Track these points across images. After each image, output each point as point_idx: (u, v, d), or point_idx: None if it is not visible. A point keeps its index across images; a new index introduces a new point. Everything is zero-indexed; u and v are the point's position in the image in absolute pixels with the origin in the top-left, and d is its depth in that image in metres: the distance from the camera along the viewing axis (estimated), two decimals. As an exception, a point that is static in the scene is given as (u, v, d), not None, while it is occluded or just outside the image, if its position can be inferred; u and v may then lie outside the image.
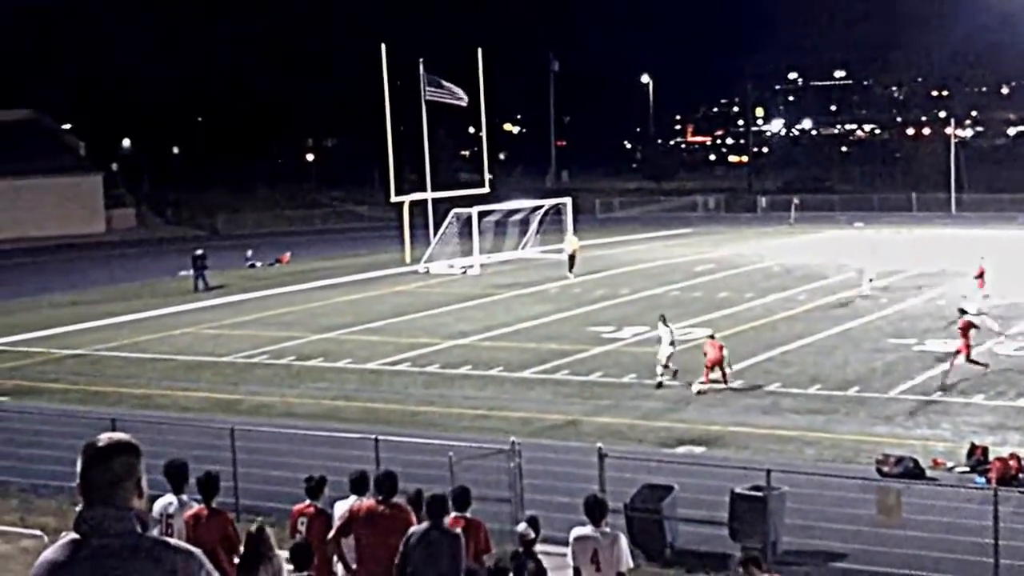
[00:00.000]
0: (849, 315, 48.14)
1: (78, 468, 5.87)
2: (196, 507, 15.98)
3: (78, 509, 5.82)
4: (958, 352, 35.66)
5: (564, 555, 16.06)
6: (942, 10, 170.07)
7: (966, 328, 35.82)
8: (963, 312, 37.27)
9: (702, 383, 35.06)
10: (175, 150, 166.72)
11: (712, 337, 36.41)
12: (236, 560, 15.31)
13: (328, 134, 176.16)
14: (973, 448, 26.76)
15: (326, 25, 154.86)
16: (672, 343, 36.16)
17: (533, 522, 16.67)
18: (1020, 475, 24.98)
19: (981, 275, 50.82)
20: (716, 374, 35.27)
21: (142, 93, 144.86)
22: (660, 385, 35.65)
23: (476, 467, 22.91)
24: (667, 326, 36.55)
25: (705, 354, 35.42)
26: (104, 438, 5.96)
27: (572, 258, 64.38)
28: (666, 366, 36.13)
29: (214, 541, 15.20)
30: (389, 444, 24.36)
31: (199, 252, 63.49)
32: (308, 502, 16.84)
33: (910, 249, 70.54)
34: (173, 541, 5.99)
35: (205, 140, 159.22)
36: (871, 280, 54.03)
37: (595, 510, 15.70)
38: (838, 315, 48.08)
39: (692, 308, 50.96)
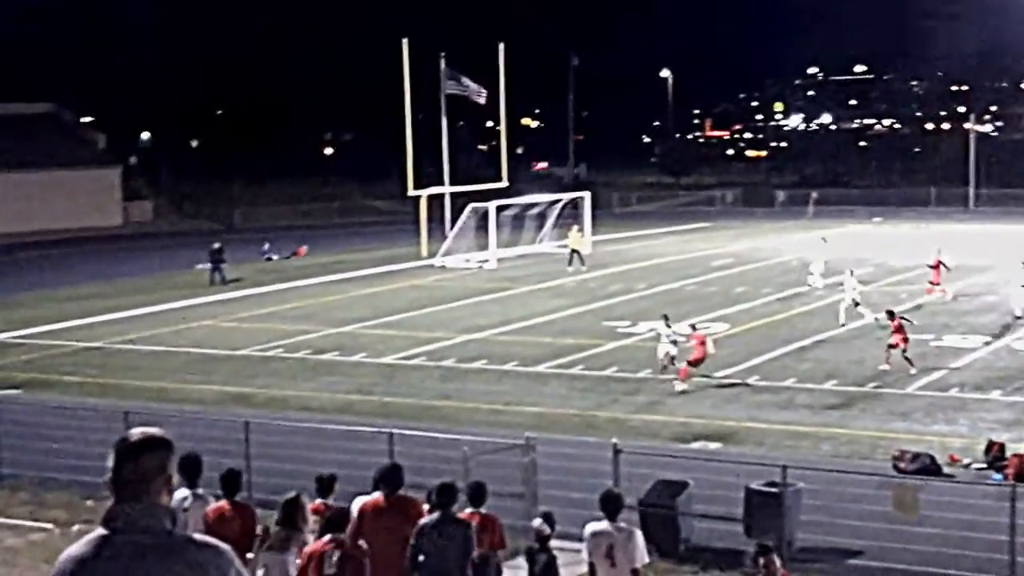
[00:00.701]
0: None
1: (109, 463, 5.82)
2: (217, 503, 15.94)
3: (109, 504, 5.80)
4: (894, 346, 36.12)
5: (578, 550, 15.97)
6: (961, 5, 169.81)
7: (899, 326, 36.39)
8: (891, 314, 37.58)
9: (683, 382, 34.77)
10: (194, 143, 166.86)
11: (694, 328, 36.47)
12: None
13: (346, 128, 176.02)
14: (990, 444, 26.66)
15: (346, 19, 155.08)
16: (674, 342, 35.97)
17: (548, 518, 16.64)
18: (1038, 472, 24.83)
19: (936, 267, 50.67)
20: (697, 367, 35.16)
21: (161, 86, 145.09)
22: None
23: (490, 462, 22.82)
24: (669, 327, 36.42)
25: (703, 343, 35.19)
26: (137, 433, 5.93)
27: (575, 252, 64.62)
28: (666, 366, 35.94)
29: (236, 536, 15.16)
30: (403, 439, 24.27)
31: (216, 245, 63.38)
32: (319, 500, 16.79)
33: (928, 244, 70.13)
34: (203, 538, 5.97)
35: (224, 133, 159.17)
36: (821, 273, 54.34)
37: (611, 505, 15.63)
38: (855, 311, 47.86)
39: (709, 303, 50.80)
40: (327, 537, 14.86)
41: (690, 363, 34.83)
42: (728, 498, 22.23)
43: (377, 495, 15.86)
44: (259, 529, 15.57)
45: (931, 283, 50.41)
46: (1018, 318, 44.75)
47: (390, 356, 41.05)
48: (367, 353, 41.66)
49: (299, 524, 15.18)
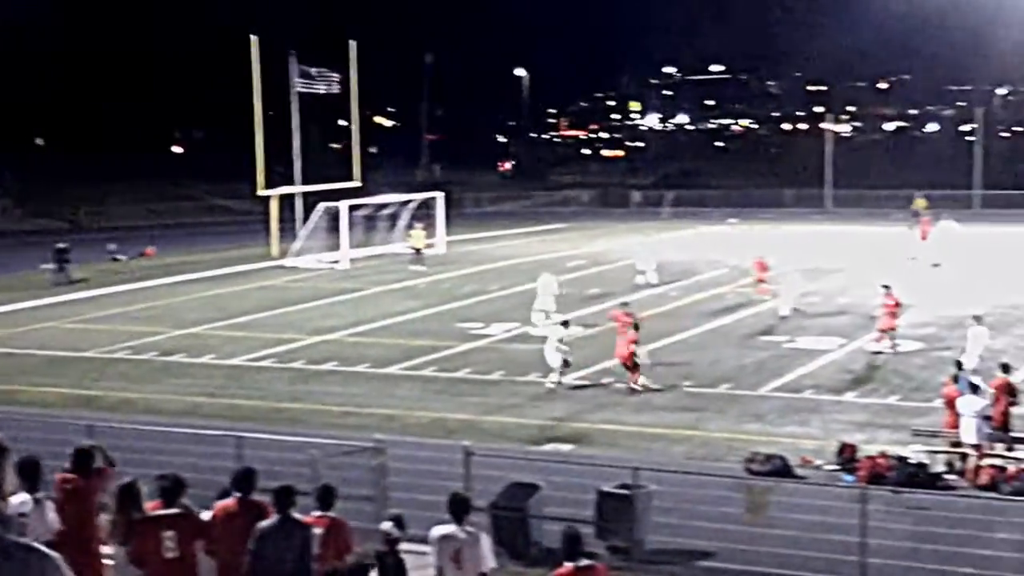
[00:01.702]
0: (720, 312, 48.28)
1: None
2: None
3: None
4: (631, 343, 36.38)
5: (427, 553, 15.69)
6: (820, 7, 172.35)
7: (632, 324, 36.81)
8: (625, 304, 38.90)
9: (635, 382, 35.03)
10: (38, 142, 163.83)
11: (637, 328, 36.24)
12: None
13: (196, 126, 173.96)
14: (843, 446, 26.72)
15: (194, 14, 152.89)
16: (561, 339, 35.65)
17: (398, 521, 16.44)
18: (888, 474, 24.93)
19: (761, 270, 51.86)
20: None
21: (3, 84, 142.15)
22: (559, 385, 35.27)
23: (340, 465, 22.55)
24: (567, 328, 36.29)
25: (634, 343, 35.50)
26: None
27: (419, 251, 65.48)
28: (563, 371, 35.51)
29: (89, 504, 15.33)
30: (252, 442, 23.84)
31: (61, 245, 62.34)
32: (159, 500, 16.31)
33: (783, 246, 70.78)
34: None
35: (69, 131, 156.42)
36: (649, 270, 56.54)
37: (458, 509, 15.51)
38: (709, 312, 48.18)
39: (563, 304, 50.64)
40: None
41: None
42: (580, 500, 22.01)
43: (230, 499, 15.62)
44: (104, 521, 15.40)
45: (759, 280, 51.56)
46: (783, 318, 45.55)
47: (239, 358, 40.51)
48: (215, 355, 41.07)
49: (135, 510, 14.95)
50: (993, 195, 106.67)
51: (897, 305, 39.40)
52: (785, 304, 46.60)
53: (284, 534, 14.63)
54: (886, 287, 40.47)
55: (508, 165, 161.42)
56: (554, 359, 35.20)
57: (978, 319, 36.48)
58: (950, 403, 26.31)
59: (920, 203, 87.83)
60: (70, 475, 16.23)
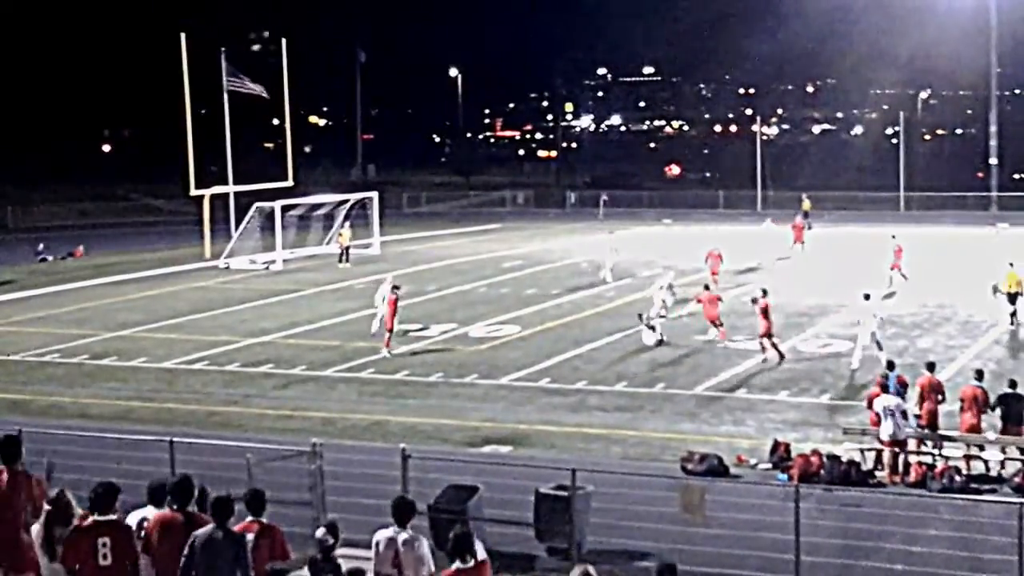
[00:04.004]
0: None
1: None
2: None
3: None
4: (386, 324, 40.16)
5: (367, 559, 15.59)
6: (750, 10, 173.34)
7: (395, 302, 40.38)
8: (396, 288, 41.63)
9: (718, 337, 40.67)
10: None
11: (707, 288, 41.06)
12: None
13: (125, 125, 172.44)
14: (776, 445, 26.84)
15: (124, 11, 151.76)
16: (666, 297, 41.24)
17: (332, 528, 16.24)
18: (821, 472, 25.09)
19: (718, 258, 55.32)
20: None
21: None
22: (653, 328, 40.73)
23: (276, 469, 22.34)
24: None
25: (700, 302, 41.10)
26: None
27: (346, 250, 66.87)
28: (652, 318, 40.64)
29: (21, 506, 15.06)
30: (185, 446, 23.56)
31: (-14, 246, 61.85)
32: (92, 508, 16.14)
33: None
34: None
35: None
36: (607, 268, 57.93)
37: (402, 512, 15.41)
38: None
39: (500, 304, 50.78)
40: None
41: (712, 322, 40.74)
42: (519, 502, 21.98)
43: (165, 510, 15.32)
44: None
45: (713, 273, 53.97)
46: (604, 281, 46.13)
47: (172, 360, 40.17)
48: (147, 358, 40.70)
49: (62, 524, 14.82)
50: (918, 197, 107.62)
51: (766, 309, 38.83)
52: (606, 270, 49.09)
53: (218, 544, 14.41)
54: (764, 291, 40.06)
55: (676, 169, 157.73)
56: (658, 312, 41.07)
57: (867, 297, 38.42)
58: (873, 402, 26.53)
59: (807, 204, 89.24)
60: None
